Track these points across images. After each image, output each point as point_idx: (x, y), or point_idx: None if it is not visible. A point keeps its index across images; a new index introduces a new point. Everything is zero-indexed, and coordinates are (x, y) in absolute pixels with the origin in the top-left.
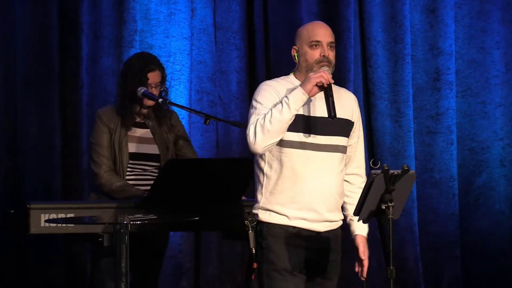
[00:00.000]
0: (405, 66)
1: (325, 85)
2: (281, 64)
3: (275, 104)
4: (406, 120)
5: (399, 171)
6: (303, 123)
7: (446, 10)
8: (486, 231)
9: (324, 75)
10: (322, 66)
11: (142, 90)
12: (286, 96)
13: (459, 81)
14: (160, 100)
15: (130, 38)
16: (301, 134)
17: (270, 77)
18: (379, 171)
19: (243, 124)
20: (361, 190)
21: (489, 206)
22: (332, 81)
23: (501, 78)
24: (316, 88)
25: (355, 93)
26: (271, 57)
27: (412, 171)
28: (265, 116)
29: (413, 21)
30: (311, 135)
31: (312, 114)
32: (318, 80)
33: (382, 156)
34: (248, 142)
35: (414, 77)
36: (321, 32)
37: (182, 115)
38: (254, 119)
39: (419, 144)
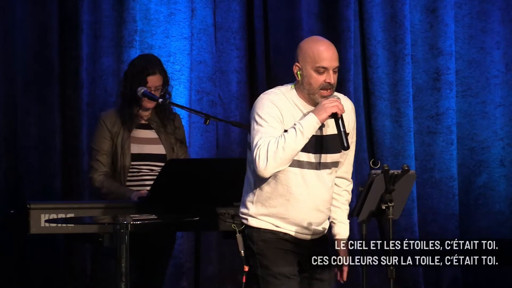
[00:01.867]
0: (405, 66)
1: (339, 116)
2: (280, 64)
3: (284, 129)
4: (406, 120)
5: (399, 171)
6: None
7: (446, 10)
8: (486, 231)
9: (339, 105)
10: (325, 95)
11: (142, 90)
12: (299, 123)
13: (459, 81)
14: (160, 100)
15: (130, 38)
16: (300, 153)
17: (270, 77)
18: (379, 171)
19: (243, 124)
20: (346, 193)
21: (489, 206)
22: (344, 111)
23: (501, 78)
24: (328, 117)
25: (355, 93)
26: (271, 57)
27: (412, 171)
28: (277, 142)
29: (413, 21)
30: (309, 154)
31: None
32: (333, 111)
33: (382, 156)
34: (257, 166)
35: (414, 77)
36: (328, 57)
37: (182, 115)
38: (263, 141)
39: (419, 144)
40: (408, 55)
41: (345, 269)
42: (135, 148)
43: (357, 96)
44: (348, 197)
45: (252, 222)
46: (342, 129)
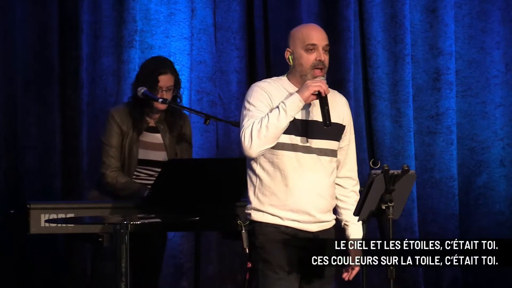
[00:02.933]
0: (405, 66)
1: (323, 95)
2: (280, 64)
3: (271, 109)
4: (406, 120)
5: (399, 171)
6: (296, 126)
7: (446, 10)
8: (486, 231)
9: (322, 84)
10: (317, 75)
11: (142, 90)
12: (283, 102)
13: (459, 81)
14: (160, 100)
15: (130, 38)
16: (293, 136)
17: (270, 77)
18: (379, 171)
19: None
20: (354, 194)
21: (489, 206)
22: (328, 92)
23: (501, 78)
24: (312, 96)
25: (355, 93)
26: (271, 57)
27: (412, 171)
28: (261, 121)
29: (413, 21)
30: (303, 138)
31: (304, 118)
32: (316, 89)
33: (382, 156)
34: (243, 146)
35: (414, 77)
36: (317, 35)
37: None
38: (249, 122)
39: (419, 144)
40: (408, 55)
41: (356, 269)
42: (141, 153)
43: (357, 96)
44: (356, 198)
45: (255, 215)
46: (326, 107)
